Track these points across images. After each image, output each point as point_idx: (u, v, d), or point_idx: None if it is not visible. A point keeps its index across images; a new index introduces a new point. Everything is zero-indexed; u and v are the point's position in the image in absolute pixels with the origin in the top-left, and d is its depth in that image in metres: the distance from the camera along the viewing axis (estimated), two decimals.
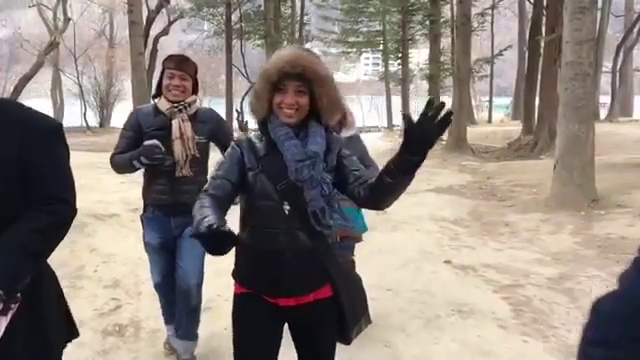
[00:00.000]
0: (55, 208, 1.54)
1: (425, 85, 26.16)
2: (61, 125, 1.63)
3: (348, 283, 1.86)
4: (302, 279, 1.78)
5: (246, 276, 1.84)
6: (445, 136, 18.68)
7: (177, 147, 2.76)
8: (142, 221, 2.96)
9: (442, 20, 23.40)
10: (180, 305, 2.92)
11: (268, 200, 1.75)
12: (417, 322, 3.58)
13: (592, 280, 4.42)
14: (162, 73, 2.82)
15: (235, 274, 1.89)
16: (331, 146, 1.82)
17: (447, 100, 24.24)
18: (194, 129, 2.79)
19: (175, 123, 2.76)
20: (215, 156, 2.27)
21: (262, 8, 24.33)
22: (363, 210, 3.20)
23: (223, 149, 2.71)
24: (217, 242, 1.56)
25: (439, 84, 23.35)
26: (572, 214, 6.58)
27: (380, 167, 3.29)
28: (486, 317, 3.67)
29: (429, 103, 1.57)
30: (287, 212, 1.73)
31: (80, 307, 3.79)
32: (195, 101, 2.87)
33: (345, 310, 1.82)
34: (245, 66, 27.11)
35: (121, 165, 2.84)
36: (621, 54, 26.40)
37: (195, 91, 2.87)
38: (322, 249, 1.80)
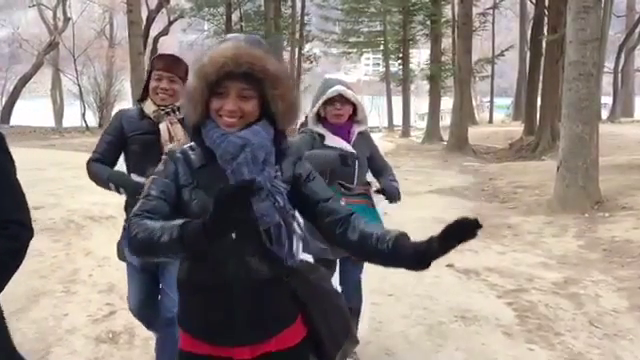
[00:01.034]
0: (10, 232, 1.38)
1: (426, 85, 26.08)
2: (1, 135, 1.44)
3: (325, 306, 1.52)
4: (259, 319, 1.42)
5: (191, 321, 1.49)
6: (446, 137, 18.65)
7: None
8: (124, 229, 2.73)
9: (443, 20, 23.34)
10: (163, 336, 2.60)
11: None
12: (419, 329, 3.49)
13: (598, 285, 4.33)
14: (149, 74, 2.57)
15: (179, 318, 1.54)
16: (286, 151, 1.49)
17: (448, 101, 24.22)
18: (186, 133, 2.46)
19: (163, 126, 2.52)
20: None
21: (262, 8, 24.24)
22: (380, 209, 2.93)
23: None
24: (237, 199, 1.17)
25: (440, 84, 23.29)
26: (576, 216, 6.49)
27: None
28: (490, 323, 3.57)
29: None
30: (234, 235, 1.34)
31: (73, 313, 3.71)
32: None
33: (324, 340, 1.51)
34: None
35: (97, 178, 2.57)
36: (622, 54, 26.31)
37: None
38: (284, 272, 1.44)
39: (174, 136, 2.51)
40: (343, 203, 2.58)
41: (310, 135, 2.79)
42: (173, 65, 2.55)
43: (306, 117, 5.03)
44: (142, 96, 2.61)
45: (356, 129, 2.85)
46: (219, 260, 1.39)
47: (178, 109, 2.53)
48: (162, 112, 2.54)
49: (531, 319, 3.65)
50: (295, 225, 1.46)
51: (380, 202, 2.91)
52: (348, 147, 2.75)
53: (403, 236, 1.34)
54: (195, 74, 1.40)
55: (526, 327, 3.53)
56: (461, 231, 1.25)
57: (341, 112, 2.75)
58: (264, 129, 1.42)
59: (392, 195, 2.82)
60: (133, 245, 1.33)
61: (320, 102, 2.73)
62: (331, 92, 2.70)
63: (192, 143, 1.48)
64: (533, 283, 4.37)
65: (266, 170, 1.41)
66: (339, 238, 1.43)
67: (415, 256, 1.29)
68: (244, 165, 1.38)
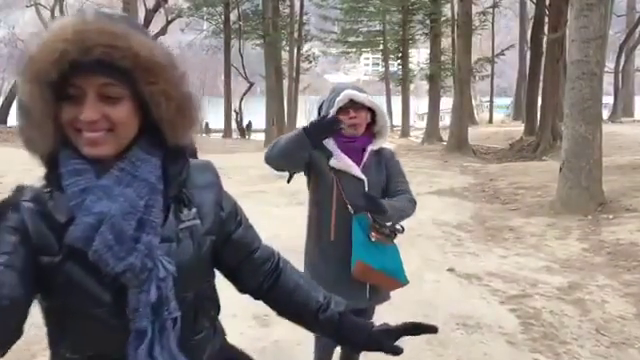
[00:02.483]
0: None
1: (425, 85, 25.97)
2: None
3: None
4: None
5: None
6: (446, 137, 18.52)
7: None
8: None
9: (443, 19, 23.26)
10: None
11: (93, 306, 0.92)
12: (419, 338, 3.30)
13: (603, 290, 4.21)
14: None
15: None
16: (190, 181, 1.02)
17: (448, 100, 24.08)
18: None
19: None
20: None
21: (261, 7, 24.14)
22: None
23: None
24: None
25: (439, 84, 23.18)
26: (579, 218, 6.37)
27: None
28: (493, 331, 3.44)
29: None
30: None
31: None
32: None
33: None
34: (244, 66, 26.97)
35: None
36: (623, 54, 26.21)
37: None
38: None
39: None
40: (374, 238, 2.17)
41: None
42: None
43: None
44: None
45: (372, 147, 2.26)
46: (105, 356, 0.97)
47: None
48: None
49: (535, 327, 3.52)
50: (171, 337, 0.95)
51: None
52: (355, 170, 2.21)
53: (347, 311, 1.15)
54: (23, 75, 0.88)
55: (530, 335, 3.40)
56: (419, 332, 1.16)
57: (356, 120, 2.19)
58: (144, 163, 0.94)
59: (371, 207, 2.12)
60: None
61: (331, 114, 2.20)
62: (340, 100, 2.17)
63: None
64: (537, 288, 4.23)
65: (142, 241, 0.91)
66: (266, 291, 1.15)
67: (367, 340, 1.13)
68: (104, 251, 0.88)
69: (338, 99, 2.17)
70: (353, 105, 2.18)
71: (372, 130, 2.28)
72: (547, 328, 3.50)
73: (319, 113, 4.45)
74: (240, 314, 3.55)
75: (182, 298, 0.97)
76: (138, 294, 0.91)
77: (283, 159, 2.08)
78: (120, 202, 0.90)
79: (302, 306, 1.13)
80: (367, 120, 2.24)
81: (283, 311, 1.17)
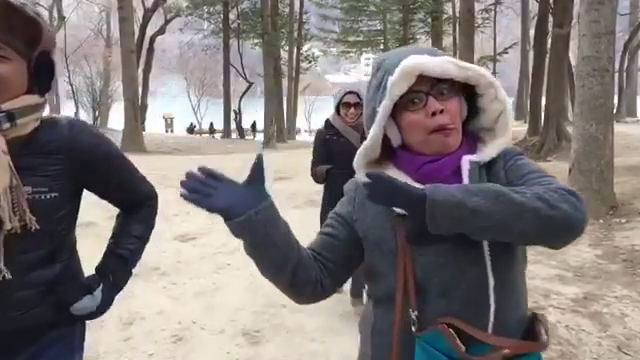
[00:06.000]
0: None
1: None
2: None
3: None
4: None
5: None
6: None
7: None
8: None
9: (444, 17, 23.00)
10: None
11: None
12: None
13: (622, 301, 3.90)
14: None
15: None
16: None
17: None
18: (21, 169, 1.19)
19: None
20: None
21: (259, 5, 23.89)
22: None
23: (125, 210, 1.50)
24: None
25: None
26: (590, 222, 6.04)
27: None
28: None
29: None
30: None
31: None
32: (34, 108, 1.25)
33: None
34: (243, 66, 26.70)
35: None
36: (627, 53, 25.94)
37: (40, 87, 1.27)
38: None
39: None
40: None
41: (349, 194, 1.20)
42: None
43: (327, 121, 3.97)
44: None
45: (473, 157, 1.09)
46: None
47: (11, 117, 1.18)
48: None
49: (552, 344, 3.21)
50: None
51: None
52: None
53: None
54: None
55: (547, 354, 3.09)
56: None
57: (445, 119, 1.04)
58: None
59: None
60: None
61: (383, 116, 1.07)
62: (399, 80, 1.03)
63: None
64: (550, 300, 3.93)
65: None
66: None
67: None
68: None
69: (392, 79, 1.03)
70: (431, 87, 1.04)
71: (467, 129, 1.13)
72: (564, 346, 3.21)
73: (337, 111, 3.62)
74: (228, 330, 3.26)
75: None
76: None
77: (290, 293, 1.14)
78: None
79: None
80: (463, 113, 1.11)
81: None
